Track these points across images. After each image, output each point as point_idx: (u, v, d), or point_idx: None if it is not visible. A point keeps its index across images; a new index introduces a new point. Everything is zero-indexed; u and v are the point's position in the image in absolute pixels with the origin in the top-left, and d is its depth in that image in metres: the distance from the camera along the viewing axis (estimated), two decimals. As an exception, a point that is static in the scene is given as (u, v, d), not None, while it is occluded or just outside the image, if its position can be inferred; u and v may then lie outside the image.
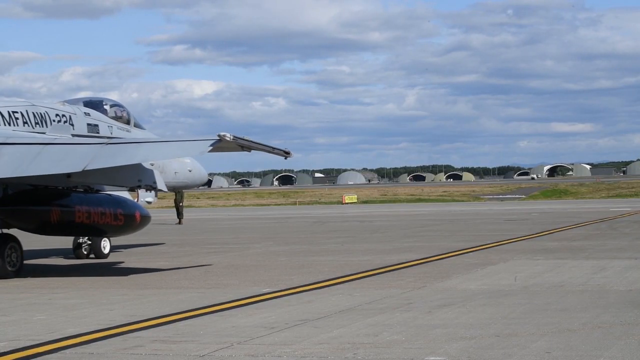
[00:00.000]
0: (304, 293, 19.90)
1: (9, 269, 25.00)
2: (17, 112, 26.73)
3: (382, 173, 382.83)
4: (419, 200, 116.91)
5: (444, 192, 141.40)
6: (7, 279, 24.63)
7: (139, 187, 26.70)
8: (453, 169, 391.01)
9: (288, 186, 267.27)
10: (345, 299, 18.53)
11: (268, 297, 19.08)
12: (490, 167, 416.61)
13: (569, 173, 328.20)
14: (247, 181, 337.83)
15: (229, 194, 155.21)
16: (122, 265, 29.42)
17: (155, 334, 14.59)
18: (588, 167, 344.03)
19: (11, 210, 25.40)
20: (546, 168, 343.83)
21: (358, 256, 29.95)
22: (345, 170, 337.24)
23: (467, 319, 15.43)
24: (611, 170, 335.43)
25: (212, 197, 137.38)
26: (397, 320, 15.42)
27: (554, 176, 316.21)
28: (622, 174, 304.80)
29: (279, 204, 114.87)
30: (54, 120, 27.62)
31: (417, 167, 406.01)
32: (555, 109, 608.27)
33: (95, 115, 29.28)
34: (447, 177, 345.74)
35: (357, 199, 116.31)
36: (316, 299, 18.81)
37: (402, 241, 37.19)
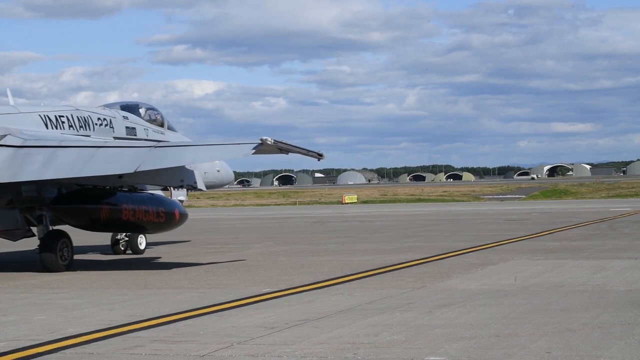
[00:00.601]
0: (304, 293, 19.90)
1: (61, 263, 26.73)
2: (63, 116, 28.89)
3: (382, 173, 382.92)
4: (419, 200, 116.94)
5: (444, 192, 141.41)
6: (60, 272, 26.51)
7: (182, 186, 28.68)
8: (453, 169, 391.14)
9: (288, 186, 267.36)
10: (345, 299, 18.53)
11: (268, 297, 19.07)
12: (490, 167, 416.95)
13: (569, 173, 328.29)
14: (247, 181, 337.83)
15: (229, 194, 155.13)
16: (161, 260, 31.05)
17: (155, 334, 14.58)
18: (588, 167, 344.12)
19: (65, 209, 27.16)
20: (546, 168, 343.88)
21: (358, 256, 29.95)
22: (345, 170, 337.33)
23: (467, 319, 15.43)
24: (611, 170, 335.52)
25: (212, 197, 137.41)
26: (397, 320, 15.42)
27: (554, 176, 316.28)
28: (622, 174, 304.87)
29: (279, 204, 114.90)
30: (95, 124, 29.77)
31: (417, 167, 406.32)
32: (556, 109, 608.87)
33: (133, 119, 31.43)
34: (447, 177, 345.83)
35: (357, 199, 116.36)
36: (316, 299, 18.81)
37: (402, 241, 37.18)
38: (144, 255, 32.98)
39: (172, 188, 31.50)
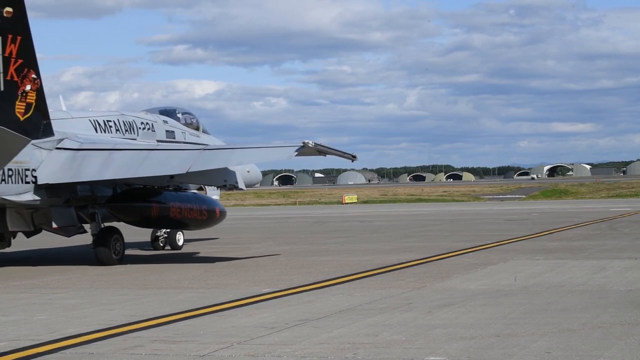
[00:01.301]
0: (304, 293, 19.90)
1: (114, 257, 28.61)
2: (110, 121, 31.14)
3: (382, 173, 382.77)
4: (419, 200, 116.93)
5: (444, 192, 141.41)
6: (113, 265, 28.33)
7: (224, 186, 30.93)
8: (453, 169, 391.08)
9: (288, 186, 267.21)
10: (345, 299, 18.53)
11: (268, 297, 19.07)
12: (490, 167, 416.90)
13: (569, 173, 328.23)
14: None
15: (228, 194, 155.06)
16: (200, 255, 32.73)
17: (155, 334, 14.58)
18: (588, 167, 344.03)
19: (120, 206, 29.41)
20: (546, 168, 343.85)
21: (358, 256, 29.94)
22: (345, 170, 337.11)
23: (467, 319, 15.43)
24: (611, 170, 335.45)
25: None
26: (397, 320, 15.42)
27: (554, 176, 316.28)
28: (622, 174, 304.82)
29: (279, 204, 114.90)
30: (139, 128, 32.07)
31: (417, 167, 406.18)
32: (556, 109, 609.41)
33: (172, 123, 33.71)
34: (447, 177, 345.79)
35: (357, 199, 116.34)
36: (316, 299, 18.81)
37: (402, 241, 37.18)
38: (183, 250, 34.65)
39: (206, 187, 34.08)
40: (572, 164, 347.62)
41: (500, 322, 14.97)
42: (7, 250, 30.52)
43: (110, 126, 31.08)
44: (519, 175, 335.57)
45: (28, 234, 30.07)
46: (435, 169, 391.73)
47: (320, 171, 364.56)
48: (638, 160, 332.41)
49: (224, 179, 29.85)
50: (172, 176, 29.38)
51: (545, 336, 13.50)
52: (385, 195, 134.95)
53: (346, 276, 23.21)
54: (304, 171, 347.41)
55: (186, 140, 33.70)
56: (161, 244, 35.17)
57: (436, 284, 21.10)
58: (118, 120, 31.55)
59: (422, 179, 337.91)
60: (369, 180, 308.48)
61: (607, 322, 14.75)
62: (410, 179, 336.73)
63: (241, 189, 31.09)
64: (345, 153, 29.11)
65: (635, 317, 15.25)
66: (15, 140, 24.94)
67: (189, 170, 27.66)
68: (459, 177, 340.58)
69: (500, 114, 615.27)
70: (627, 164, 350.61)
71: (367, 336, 13.81)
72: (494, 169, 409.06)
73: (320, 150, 27.74)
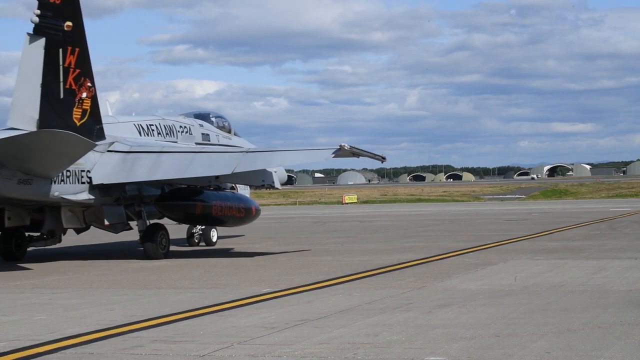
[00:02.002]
0: (304, 293, 19.90)
1: (160, 251, 30.68)
2: (152, 125, 33.41)
3: (382, 173, 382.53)
4: (419, 200, 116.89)
5: (444, 192, 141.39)
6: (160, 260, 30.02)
7: (262, 186, 33.34)
8: (453, 169, 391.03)
9: (288, 186, 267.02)
10: (345, 299, 18.53)
11: (268, 297, 19.07)
12: (491, 167, 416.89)
13: (569, 173, 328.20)
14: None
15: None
16: (235, 250, 34.85)
17: (155, 334, 14.58)
18: (588, 167, 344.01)
19: (168, 205, 31.60)
20: (546, 168, 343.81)
21: (358, 256, 29.94)
22: (345, 170, 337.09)
23: (467, 319, 15.42)
24: (611, 170, 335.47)
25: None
26: (397, 320, 15.42)
27: (554, 176, 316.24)
28: (622, 174, 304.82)
29: (279, 204, 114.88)
30: (178, 131, 34.35)
31: (417, 167, 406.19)
32: (557, 109, 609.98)
33: (207, 127, 35.96)
34: (447, 177, 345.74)
35: (357, 199, 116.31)
36: (316, 299, 18.81)
37: (402, 241, 37.18)
38: (217, 246, 36.49)
39: (237, 185, 36.16)
40: (572, 164, 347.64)
41: (500, 322, 14.97)
42: (58, 245, 32.59)
43: (153, 130, 33.34)
44: (519, 175, 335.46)
45: (78, 231, 32.00)
46: (435, 169, 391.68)
47: (320, 171, 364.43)
48: (638, 160, 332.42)
49: (262, 179, 32.24)
50: (217, 176, 31.60)
51: (545, 336, 13.51)
52: (385, 195, 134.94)
53: (346, 276, 23.21)
54: (304, 171, 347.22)
55: (220, 143, 35.91)
56: (196, 240, 37.09)
57: (436, 284, 21.10)
58: (159, 124, 33.86)
59: (422, 179, 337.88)
60: (369, 181, 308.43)
61: (607, 322, 14.75)
62: (410, 179, 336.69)
63: (277, 189, 33.88)
64: (376, 155, 31.00)
65: (635, 317, 15.25)
66: (83, 145, 27.13)
67: (234, 171, 29.79)
68: (459, 177, 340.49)
69: (500, 114, 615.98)
70: (627, 164, 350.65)
71: (367, 336, 13.81)
72: (494, 169, 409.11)
73: (354, 152, 29.70)
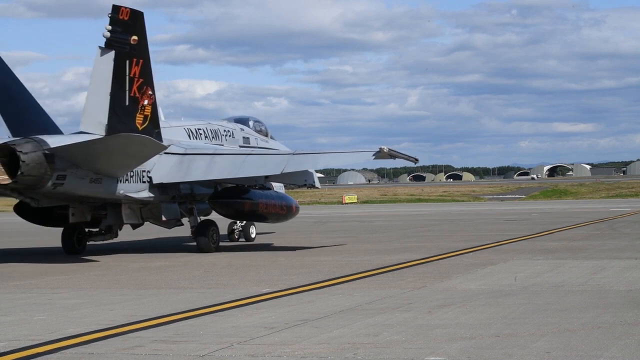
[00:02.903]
0: (304, 293, 19.90)
1: (212, 245, 33.38)
2: (200, 129, 36.23)
3: (382, 173, 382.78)
4: (419, 200, 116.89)
5: (444, 192, 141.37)
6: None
7: (305, 185, 36.57)
8: (453, 169, 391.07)
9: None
10: (345, 299, 18.53)
11: (268, 297, 19.07)
12: (491, 167, 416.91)
13: (569, 173, 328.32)
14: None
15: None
16: (275, 244, 37.28)
17: (155, 334, 14.58)
18: (588, 167, 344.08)
19: (220, 202, 34.35)
20: (546, 168, 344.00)
21: (358, 256, 29.94)
22: (345, 170, 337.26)
23: (467, 319, 15.43)
24: (611, 170, 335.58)
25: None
26: (397, 320, 15.42)
27: (554, 176, 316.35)
28: (622, 174, 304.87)
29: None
30: (223, 135, 37.21)
31: (417, 167, 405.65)
32: (557, 109, 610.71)
33: (247, 130, 38.87)
34: (447, 177, 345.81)
35: (357, 199, 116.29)
36: (316, 299, 18.81)
37: (402, 241, 37.18)
38: (256, 242, 38.77)
39: (272, 184, 38.26)
40: (572, 164, 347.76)
41: (500, 322, 14.97)
42: (114, 240, 35.05)
43: (200, 134, 36.14)
44: (519, 175, 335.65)
45: (134, 226, 34.99)
46: (435, 169, 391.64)
47: (320, 171, 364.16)
48: (638, 160, 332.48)
49: (305, 179, 35.35)
50: (267, 177, 34.50)
51: (545, 336, 13.51)
52: (385, 195, 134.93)
53: (346, 276, 23.21)
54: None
55: (258, 145, 38.65)
56: (236, 236, 39.37)
57: (436, 284, 21.10)
58: (206, 128, 36.69)
59: (422, 179, 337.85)
60: (369, 180, 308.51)
61: (607, 322, 14.75)
62: (410, 179, 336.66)
63: (317, 188, 37.54)
64: (410, 157, 33.47)
65: (635, 317, 15.25)
66: (157, 147, 30.15)
67: (283, 171, 32.52)
68: (459, 177, 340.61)
69: (501, 114, 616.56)
70: (627, 164, 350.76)
71: (367, 336, 13.81)
72: (494, 169, 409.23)
73: (392, 155, 32.33)
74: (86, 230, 33.85)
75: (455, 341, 13.23)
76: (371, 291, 19.85)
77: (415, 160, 33.96)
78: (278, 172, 32.85)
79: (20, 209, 33.63)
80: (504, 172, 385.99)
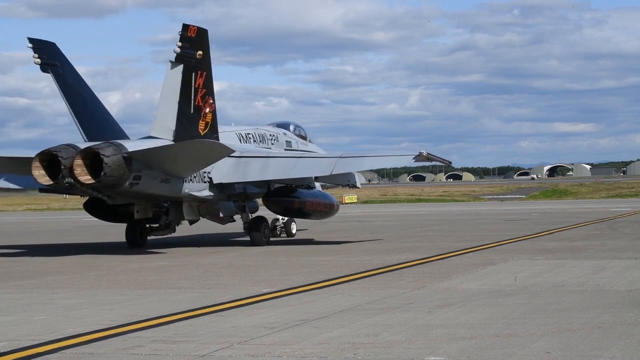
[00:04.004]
0: (304, 293, 19.90)
1: (264, 239, 36.40)
2: (249, 134, 39.33)
3: (382, 173, 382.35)
4: (419, 200, 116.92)
5: (444, 192, 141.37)
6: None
7: (347, 185, 40.99)
8: (453, 169, 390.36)
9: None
10: (345, 299, 18.52)
11: (268, 297, 19.07)
12: (491, 167, 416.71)
13: (569, 173, 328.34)
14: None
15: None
16: (316, 239, 39.89)
17: (155, 334, 14.58)
18: (588, 167, 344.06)
19: (272, 200, 37.51)
20: (546, 168, 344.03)
21: (358, 256, 29.94)
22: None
23: (467, 319, 15.42)
24: (611, 170, 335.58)
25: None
26: (397, 320, 15.42)
27: (553, 176, 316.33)
28: (622, 174, 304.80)
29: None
30: (269, 139, 40.18)
31: (417, 167, 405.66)
32: (558, 109, 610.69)
33: (289, 135, 41.81)
34: (447, 177, 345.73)
35: (357, 199, 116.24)
36: (316, 299, 18.80)
37: (402, 241, 37.18)
38: (296, 237, 41.40)
39: (344, 186, 42.49)
40: (572, 164, 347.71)
41: (500, 322, 14.97)
42: (172, 235, 37.94)
43: (249, 138, 39.11)
44: (519, 175, 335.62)
45: (192, 222, 37.52)
46: (435, 169, 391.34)
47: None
48: (638, 160, 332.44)
49: (348, 180, 39.80)
50: (316, 178, 38.33)
51: (545, 336, 13.50)
52: (385, 195, 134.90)
53: (346, 276, 23.21)
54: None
55: (299, 148, 41.49)
56: (278, 232, 41.70)
57: (436, 284, 21.09)
58: (254, 133, 39.71)
59: (422, 179, 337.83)
60: (369, 180, 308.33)
61: (607, 322, 14.75)
62: (410, 179, 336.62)
63: (358, 187, 42.35)
64: (444, 159, 36.29)
65: (635, 317, 15.25)
66: (225, 151, 32.84)
67: (332, 173, 35.73)
68: (459, 177, 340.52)
69: (502, 114, 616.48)
70: (627, 164, 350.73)
71: (367, 336, 13.81)
72: (493, 169, 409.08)
73: (429, 158, 35.15)
74: (147, 225, 36.94)
75: (455, 341, 13.23)
76: (371, 291, 19.85)
77: (449, 163, 36.92)
78: (327, 174, 36.36)
79: (90, 207, 36.80)
80: (504, 172, 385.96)
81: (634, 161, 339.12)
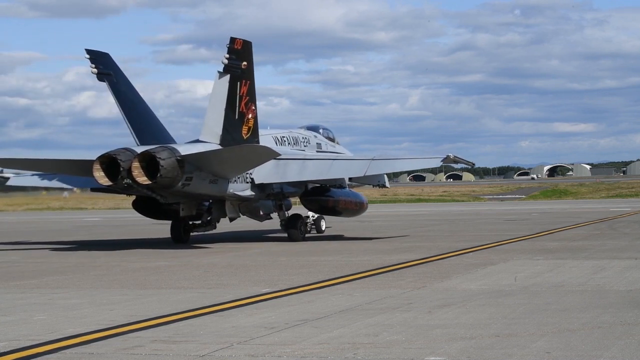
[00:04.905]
0: (304, 293, 19.90)
1: (300, 235, 38.87)
2: (284, 137, 41.49)
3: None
4: (419, 200, 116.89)
5: (444, 192, 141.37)
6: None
7: (377, 185, 44.57)
8: (453, 169, 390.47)
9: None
10: (345, 299, 18.53)
11: (268, 297, 19.07)
12: (491, 167, 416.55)
13: (568, 173, 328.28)
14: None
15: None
16: (345, 235, 42.35)
17: (155, 334, 14.58)
18: (588, 167, 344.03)
19: (309, 199, 40.60)
20: (546, 168, 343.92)
21: (358, 256, 29.94)
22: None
23: (467, 319, 15.42)
24: (611, 170, 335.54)
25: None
26: (397, 320, 15.42)
27: (553, 176, 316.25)
28: (622, 174, 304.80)
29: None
30: (301, 142, 42.49)
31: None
32: (559, 109, 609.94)
33: (319, 137, 44.12)
34: (447, 177, 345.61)
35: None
36: (316, 299, 18.81)
37: (402, 241, 37.19)
38: (326, 233, 43.20)
39: (375, 186, 45.45)
40: (572, 164, 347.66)
41: (500, 322, 14.97)
42: (213, 231, 40.30)
43: (284, 141, 41.26)
44: (519, 175, 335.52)
45: (232, 220, 39.82)
46: (435, 169, 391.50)
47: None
48: (638, 160, 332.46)
49: (378, 180, 43.22)
50: (350, 178, 41.46)
51: (545, 336, 13.51)
52: (385, 195, 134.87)
53: (346, 276, 23.21)
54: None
55: (328, 150, 43.67)
56: (308, 229, 42.50)
57: (436, 284, 21.10)
58: (289, 136, 41.88)
59: (422, 179, 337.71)
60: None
61: (607, 322, 14.75)
62: (410, 179, 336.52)
63: (387, 187, 45.90)
64: (468, 161, 38.28)
65: (635, 317, 15.25)
66: (271, 155, 34.80)
67: (366, 174, 38.48)
68: (459, 177, 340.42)
69: (502, 114, 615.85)
70: (627, 164, 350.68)
71: (367, 336, 13.81)
72: (493, 169, 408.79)
73: (455, 160, 37.21)
74: (190, 223, 39.16)
75: (455, 341, 13.23)
76: (371, 291, 19.85)
77: (473, 165, 39.16)
78: (361, 175, 39.25)
79: (138, 206, 39.18)
80: (504, 172, 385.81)
81: (634, 161, 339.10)
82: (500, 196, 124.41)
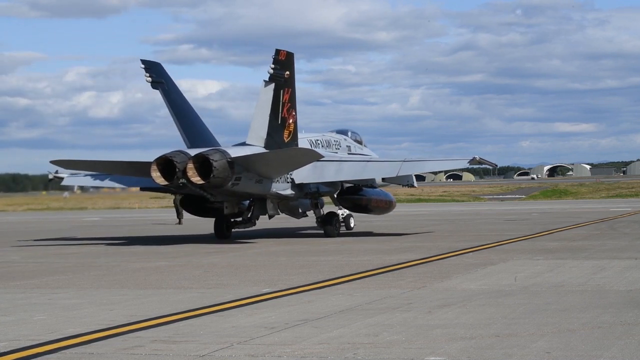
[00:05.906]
0: (304, 293, 19.90)
1: (335, 232, 41.54)
2: (318, 140, 43.88)
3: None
4: (419, 200, 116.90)
5: (444, 192, 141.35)
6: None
7: (407, 185, 46.38)
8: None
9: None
10: (345, 299, 18.53)
11: (268, 297, 19.07)
12: (491, 167, 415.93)
13: (569, 173, 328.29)
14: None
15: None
16: (372, 232, 44.34)
17: (155, 334, 14.58)
18: (588, 167, 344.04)
19: (344, 198, 43.43)
20: (546, 168, 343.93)
21: (358, 256, 29.95)
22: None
23: (467, 319, 15.43)
24: (611, 170, 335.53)
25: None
26: (397, 320, 15.42)
27: (553, 176, 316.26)
28: (622, 174, 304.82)
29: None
30: (333, 145, 44.85)
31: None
32: (559, 109, 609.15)
33: (348, 140, 46.49)
34: (447, 177, 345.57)
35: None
36: (316, 299, 18.81)
37: (402, 241, 37.19)
38: (354, 230, 45.10)
39: (404, 186, 47.50)
40: (572, 164, 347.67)
41: (500, 322, 14.97)
42: (252, 228, 42.73)
43: (318, 143, 43.53)
44: (519, 175, 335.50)
45: (271, 217, 42.37)
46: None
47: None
48: (638, 160, 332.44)
49: (407, 180, 45.05)
50: (383, 179, 44.07)
51: (545, 336, 13.51)
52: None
53: (346, 276, 23.21)
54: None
55: (357, 152, 46.03)
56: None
57: (436, 284, 21.10)
58: (322, 139, 44.33)
59: (422, 179, 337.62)
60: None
61: (607, 322, 14.75)
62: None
63: (415, 187, 49.40)
64: (491, 163, 40.04)
65: (635, 317, 15.25)
66: (315, 156, 38.36)
67: (398, 174, 40.99)
68: (459, 177, 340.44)
69: (503, 114, 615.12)
70: (627, 164, 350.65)
71: (367, 336, 13.81)
72: (493, 169, 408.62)
73: (480, 162, 39.18)
74: (232, 220, 41.49)
75: (455, 341, 13.23)
76: (371, 291, 19.85)
77: (496, 166, 40.99)
78: (394, 175, 41.61)
79: (186, 204, 41.96)
80: (504, 172, 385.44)
81: (634, 161, 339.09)
82: (500, 196, 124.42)
